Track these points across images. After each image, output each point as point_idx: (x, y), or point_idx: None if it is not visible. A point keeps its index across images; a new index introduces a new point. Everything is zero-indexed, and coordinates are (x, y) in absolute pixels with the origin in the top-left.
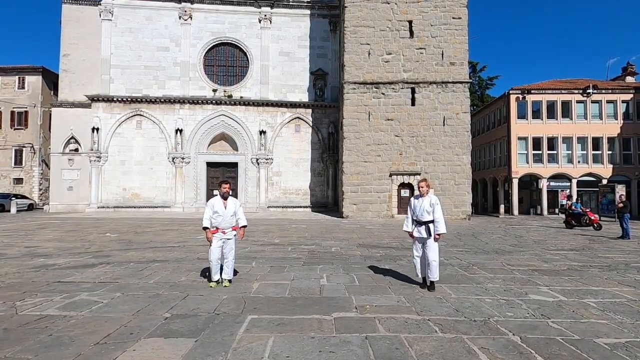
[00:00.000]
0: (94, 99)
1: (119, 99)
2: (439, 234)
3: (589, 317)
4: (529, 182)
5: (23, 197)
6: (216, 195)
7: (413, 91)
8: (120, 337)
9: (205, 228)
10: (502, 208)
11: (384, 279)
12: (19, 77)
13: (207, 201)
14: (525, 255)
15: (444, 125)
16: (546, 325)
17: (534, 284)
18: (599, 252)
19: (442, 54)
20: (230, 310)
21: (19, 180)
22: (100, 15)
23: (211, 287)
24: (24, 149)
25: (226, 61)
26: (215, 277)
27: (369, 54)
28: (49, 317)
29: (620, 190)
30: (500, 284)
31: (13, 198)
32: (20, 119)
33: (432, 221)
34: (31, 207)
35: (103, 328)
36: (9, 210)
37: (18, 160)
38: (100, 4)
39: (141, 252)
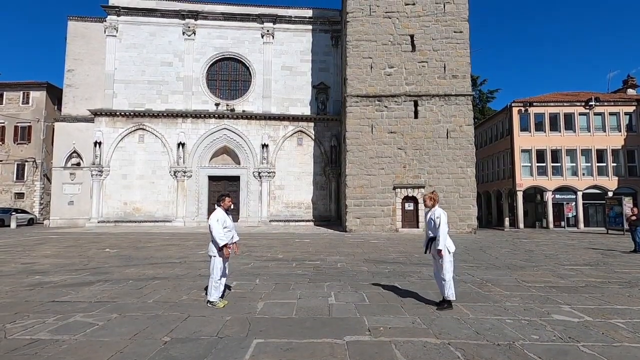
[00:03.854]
0: (97, 113)
1: (122, 113)
2: (438, 250)
3: (622, 340)
4: (534, 195)
5: (24, 211)
6: (217, 209)
7: (416, 104)
8: None
9: (224, 245)
10: (507, 221)
11: (395, 298)
12: (24, 93)
13: (209, 215)
14: (539, 271)
15: (447, 137)
16: (577, 350)
17: (554, 302)
18: (615, 267)
19: (445, 67)
20: (234, 334)
21: (20, 195)
22: (105, 31)
23: (222, 307)
24: (26, 163)
25: (229, 75)
26: (220, 294)
27: (371, 67)
28: (40, 341)
29: (628, 202)
30: (519, 302)
31: (13, 213)
32: (23, 134)
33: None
34: (31, 222)
35: (97, 354)
36: (9, 225)
37: (20, 175)
38: (105, 21)
39: (141, 268)
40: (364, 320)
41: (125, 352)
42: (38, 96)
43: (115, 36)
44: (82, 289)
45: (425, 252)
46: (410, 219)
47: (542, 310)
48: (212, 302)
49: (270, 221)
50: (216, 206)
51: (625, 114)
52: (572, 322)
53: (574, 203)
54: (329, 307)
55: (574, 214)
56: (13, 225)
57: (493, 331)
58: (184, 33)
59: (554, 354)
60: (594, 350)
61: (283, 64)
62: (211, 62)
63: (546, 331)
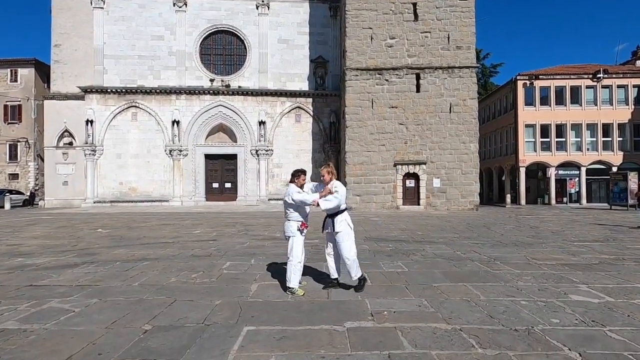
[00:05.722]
0: (87, 90)
1: (113, 90)
2: (317, 201)
3: None
4: (536, 171)
5: (18, 192)
6: (291, 185)
7: (418, 77)
8: None
9: (305, 221)
10: (508, 198)
11: (398, 278)
12: (11, 70)
13: (205, 194)
14: (547, 248)
15: (450, 112)
16: (604, 336)
17: (569, 282)
18: (626, 243)
19: (448, 38)
20: (223, 320)
21: (14, 176)
22: (91, 3)
23: (302, 295)
24: (18, 143)
25: (223, 50)
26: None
27: (371, 38)
28: (6, 331)
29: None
30: (532, 281)
31: (7, 194)
32: (13, 113)
33: (336, 213)
34: (26, 203)
35: (66, 346)
36: (2, 207)
37: (13, 155)
38: None
39: (131, 249)
40: (366, 304)
41: (99, 344)
42: (26, 74)
43: (103, 8)
44: (65, 271)
45: (322, 231)
46: (412, 196)
47: (558, 290)
48: (291, 288)
49: (269, 200)
50: (289, 183)
51: (634, 86)
52: (593, 303)
53: (577, 179)
54: (327, 289)
55: (577, 189)
56: (7, 206)
57: (508, 314)
58: (174, 4)
59: (580, 340)
60: (622, 336)
61: (279, 37)
62: (204, 36)
63: (566, 314)
